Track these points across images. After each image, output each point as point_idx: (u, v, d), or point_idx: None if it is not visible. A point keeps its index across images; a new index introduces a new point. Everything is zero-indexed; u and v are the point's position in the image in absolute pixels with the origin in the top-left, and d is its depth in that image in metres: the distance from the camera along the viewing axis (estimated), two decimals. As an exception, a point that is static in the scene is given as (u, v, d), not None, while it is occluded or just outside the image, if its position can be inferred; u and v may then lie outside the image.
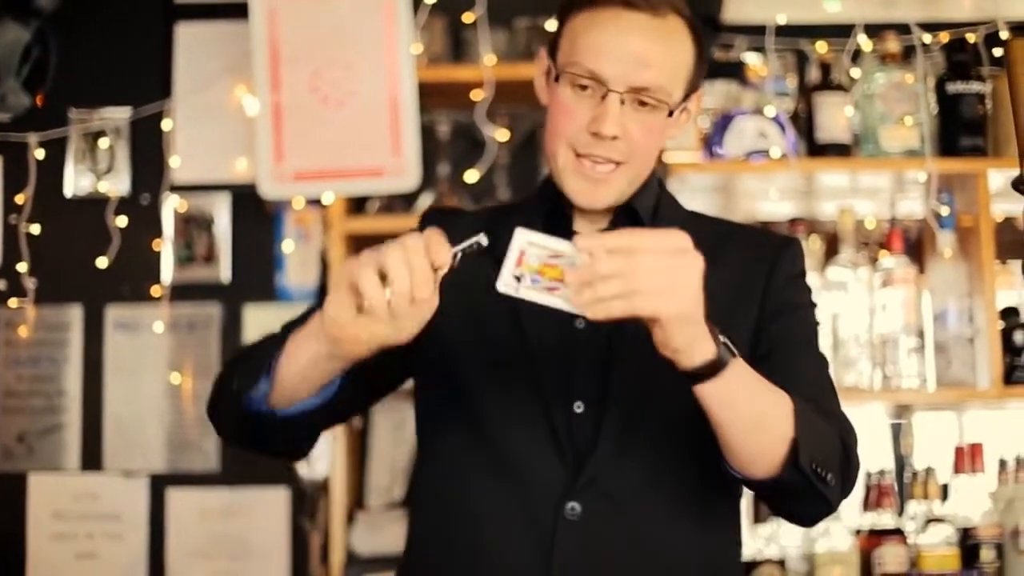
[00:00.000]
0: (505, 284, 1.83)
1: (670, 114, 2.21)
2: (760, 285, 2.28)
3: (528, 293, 1.83)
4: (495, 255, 2.13)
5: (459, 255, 1.82)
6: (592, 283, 1.78)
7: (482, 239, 1.83)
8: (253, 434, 2.14)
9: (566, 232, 2.16)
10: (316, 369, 1.96)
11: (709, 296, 1.91)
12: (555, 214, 2.29)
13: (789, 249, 2.35)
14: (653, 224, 2.27)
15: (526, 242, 1.83)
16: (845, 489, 2.15)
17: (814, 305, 2.36)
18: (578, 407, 2.19)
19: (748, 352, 2.14)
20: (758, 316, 2.26)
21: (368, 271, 1.78)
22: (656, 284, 1.78)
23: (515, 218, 2.19)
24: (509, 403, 2.21)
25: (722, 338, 1.90)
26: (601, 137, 2.16)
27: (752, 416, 1.99)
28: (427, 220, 2.35)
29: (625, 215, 2.28)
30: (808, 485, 2.04)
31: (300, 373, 1.97)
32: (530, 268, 1.83)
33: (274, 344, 2.02)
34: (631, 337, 2.14)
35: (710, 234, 2.28)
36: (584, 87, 2.18)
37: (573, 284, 1.79)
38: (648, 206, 2.31)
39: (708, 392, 1.93)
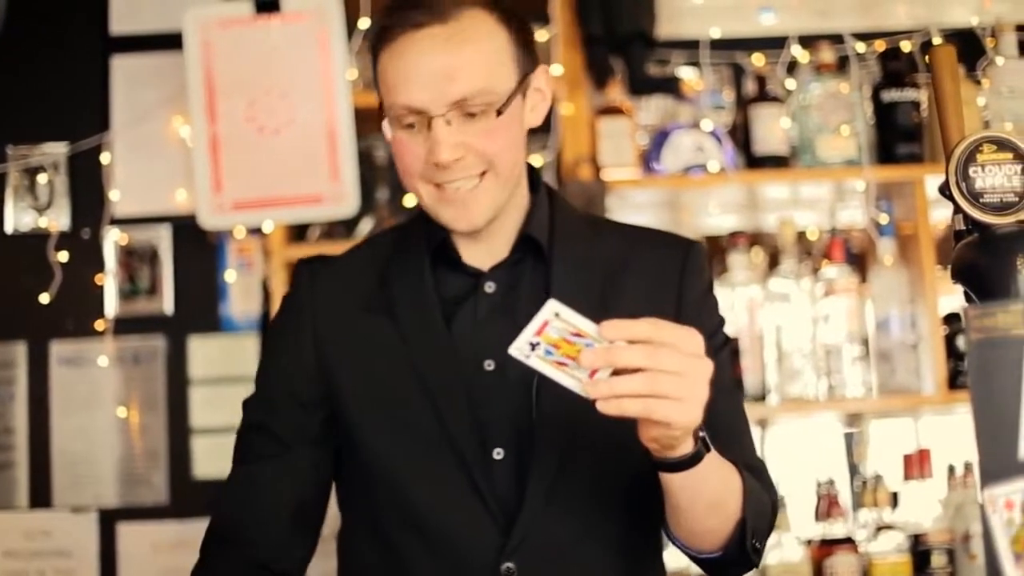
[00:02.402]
0: (518, 349, 1.78)
1: (499, 113, 2.08)
2: (672, 293, 2.22)
3: (538, 363, 1.78)
4: (388, 293, 2.16)
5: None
6: (607, 373, 1.74)
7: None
8: None
9: (463, 270, 2.19)
10: None
11: (625, 306, 1.90)
12: (443, 250, 2.22)
13: (694, 257, 2.28)
14: (553, 247, 2.21)
15: (552, 314, 1.78)
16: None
17: (723, 322, 2.31)
18: (498, 454, 2.12)
19: None
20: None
21: None
22: (675, 390, 1.73)
23: (407, 259, 2.20)
24: (423, 463, 2.14)
25: (701, 433, 1.87)
26: (443, 166, 2.06)
27: (711, 502, 1.99)
28: (302, 275, 2.30)
29: (524, 245, 2.22)
30: (744, 558, 2.07)
31: None
32: (548, 339, 1.78)
33: None
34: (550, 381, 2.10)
35: (618, 242, 2.25)
36: (410, 124, 2.08)
37: (587, 366, 1.74)
38: (543, 228, 2.22)
39: (677, 481, 1.91)
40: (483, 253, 2.21)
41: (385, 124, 2.14)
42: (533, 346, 1.78)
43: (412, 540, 2.14)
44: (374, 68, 2.15)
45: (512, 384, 2.10)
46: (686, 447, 1.86)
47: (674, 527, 2.05)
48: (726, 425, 2.10)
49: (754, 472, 2.11)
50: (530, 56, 2.16)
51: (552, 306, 1.79)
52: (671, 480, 1.91)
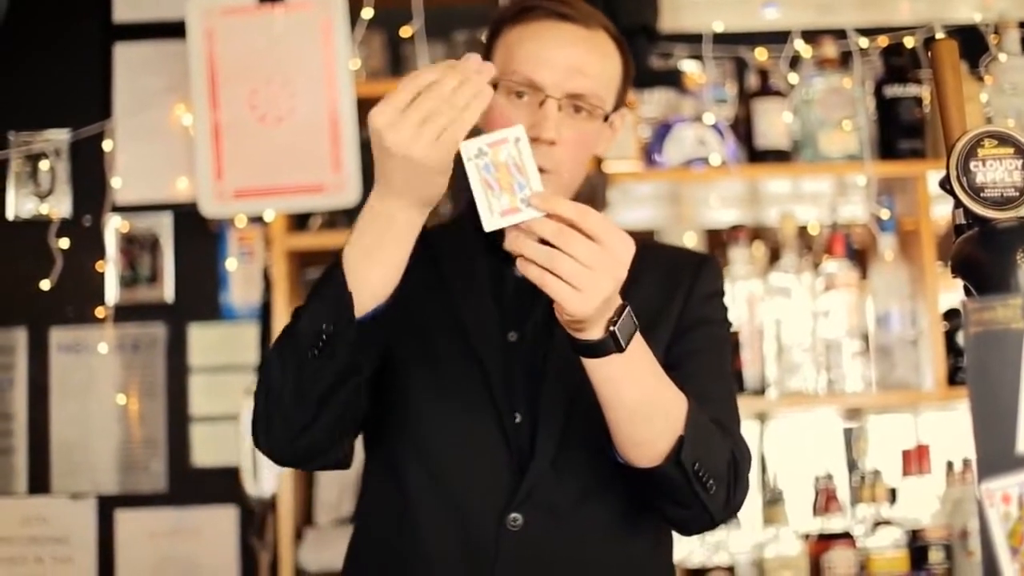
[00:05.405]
0: (466, 146, 1.82)
1: (605, 119, 2.27)
2: (678, 305, 2.32)
3: (473, 170, 1.81)
4: (440, 270, 2.25)
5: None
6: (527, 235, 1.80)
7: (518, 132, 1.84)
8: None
9: (496, 255, 2.25)
10: (381, 234, 1.94)
11: (637, 293, 1.94)
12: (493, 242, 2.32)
13: (707, 269, 2.39)
14: None
15: (514, 138, 1.82)
16: (730, 504, 2.17)
17: (728, 323, 2.41)
18: (517, 417, 2.21)
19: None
20: (673, 333, 2.28)
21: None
22: (573, 276, 1.78)
23: (460, 240, 2.32)
24: (460, 414, 2.23)
25: (614, 328, 1.89)
26: (540, 142, 2.17)
27: (638, 403, 2.00)
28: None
29: None
30: (687, 485, 2.06)
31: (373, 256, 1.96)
32: (496, 158, 1.81)
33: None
34: (562, 350, 2.16)
35: (638, 246, 2.32)
36: (521, 95, 2.22)
37: (500, 207, 1.80)
38: None
39: (591, 368, 1.95)
40: None
41: None
42: (480, 153, 1.81)
43: (428, 487, 2.23)
44: (493, 40, 2.33)
45: (529, 354, 2.24)
46: (593, 333, 1.89)
47: (612, 434, 2.06)
48: (702, 386, 2.15)
49: (719, 425, 2.15)
50: (625, 95, 2.36)
51: (517, 131, 1.83)
52: (589, 367, 1.95)
